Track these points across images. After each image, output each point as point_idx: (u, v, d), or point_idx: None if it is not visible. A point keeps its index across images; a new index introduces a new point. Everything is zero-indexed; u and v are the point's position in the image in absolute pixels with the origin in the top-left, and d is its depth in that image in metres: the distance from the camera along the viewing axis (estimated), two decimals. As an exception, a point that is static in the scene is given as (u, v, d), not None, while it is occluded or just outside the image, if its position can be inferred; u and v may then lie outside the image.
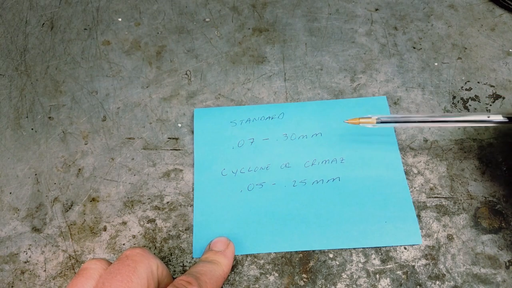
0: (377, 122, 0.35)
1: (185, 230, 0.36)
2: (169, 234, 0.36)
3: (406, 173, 0.38)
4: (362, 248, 0.35)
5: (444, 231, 0.35)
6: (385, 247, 0.35)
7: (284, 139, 0.40)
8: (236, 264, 0.34)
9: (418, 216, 0.36)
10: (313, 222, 0.36)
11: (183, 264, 0.34)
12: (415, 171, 0.38)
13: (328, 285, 0.33)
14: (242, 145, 0.40)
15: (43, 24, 0.49)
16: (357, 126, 0.40)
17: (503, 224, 0.36)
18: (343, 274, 0.34)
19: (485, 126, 0.38)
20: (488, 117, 0.34)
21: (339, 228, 0.35)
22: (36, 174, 0.39)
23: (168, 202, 0.37)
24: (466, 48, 0.46)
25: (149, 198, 0.37)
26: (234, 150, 0.40)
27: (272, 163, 0.39)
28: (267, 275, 0.34)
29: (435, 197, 0.37)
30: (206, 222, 0.36)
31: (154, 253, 0.35)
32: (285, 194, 0.37)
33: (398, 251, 0.35)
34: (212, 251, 0.32)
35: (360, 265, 0.34)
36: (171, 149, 0.40)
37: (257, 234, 0.35)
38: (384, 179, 0.38)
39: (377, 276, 0.34)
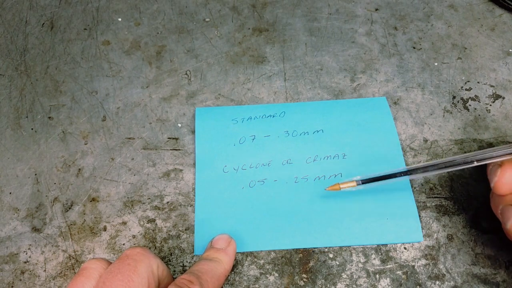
0: (357, 185, 0.34)
1: (185, 230, 0.36)
2: (169, 234, 0.36)
3: (406, 173, 0.38)
4: (364, 245, 0.35)
5: (444, 231, 0.35)
6: (385, 246, 0.35)
7: (286, 136, 0.40)
8: (236, 264, 0.34)
9: (418, 216, 0.36)
10: (315, 219, 0.36)
11: (183, 264, 0.34)
12: (415, 171, 0.38)
13: (328, 285, 0.33)
14: (244, 142, 0.40)
15: (43, 24, 0.49)
16: (359, 122, 0.41)
17: (503, 224, 0.35)
18: (343, 274, 0.34)
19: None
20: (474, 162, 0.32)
21: (341, 225, 0.35)
22: (36, 174, 0.39)
23: (168, 202, 0.37)
24: (466, 48, 0.46)
25: (149, 198, 0.37)
26: (236, 147, 0.40)
27: (273, 159, 0.39)
28: (267, 275, 0.34)
29: (435, 197, 0.37)
30: (207, 219, 0.36)
31: (154, 253, 0.35)
32: (286, 191, 0.37)
33: (398, 251, 0.35)
34: (214, 249, 0.32)
35: (360, 265, 0.34)
36: (171, 149, 0.40)
37: (258, 231, 0.35)
38: None
39: (377, 276, 0.34)
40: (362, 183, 0.34)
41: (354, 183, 0.34)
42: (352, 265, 0.34)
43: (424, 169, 0.33)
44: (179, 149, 0.40)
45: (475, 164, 0.32)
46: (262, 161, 0.39)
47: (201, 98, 0.43)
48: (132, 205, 0.37)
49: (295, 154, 0.39)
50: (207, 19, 0.49)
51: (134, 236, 0.36)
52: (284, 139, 0.40)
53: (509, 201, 0.29)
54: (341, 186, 0.35)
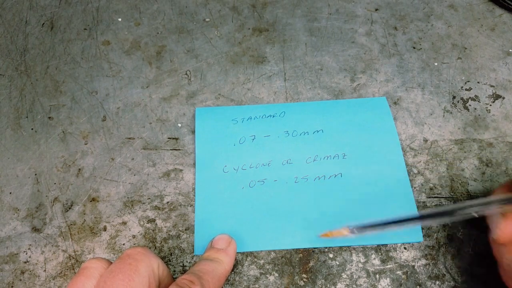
0: (351, 232, 0.31)
1: (185, 230, 0.36)
2: (169, 234, 0.36)
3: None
4: (364, 245, 0.35)
5: (444, 231, 0.35)
6: (385, 246, 0.35)
7: (286, 136, 0.40)
8: (236, 264, 0.34)
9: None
10: (315, 219, 0.36)
11: (183, 264, 0.34)
12: (415, 171, 0.38)
13: (328, 285, 0.33)
14: (244, 142, 0.40)
15: (43, 24, 0.49)
16: (359, 122, 0.41)
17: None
18: (343, 274, 0.34)
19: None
20: (476, 213, 0.28)
21: (341, 225, 0.35)
22: (36, 174, 0.39)
23: (168, 202, 0.37)
24: (466, 48, 0.46)
25: (149, 198, 0.37)
26: (236, 147, 0.40)
27: (273, 159, 0.39)
28: (267, 275, 0.34)
29: (435, 197, 0.37)
30: (207, 219, 0.36)
31: (154, 253, 0.35)
32: (286, 191, 0.37)
33: (398, 251, 0.35)
34: (214, 249, 0.32)
35: (360, 265, 0.34)
36: (171, 149, 0.40)
37: (258, 231, 0.35)
38: (386, 175, 0.38)
39: (377, 276, 0.34)
40: (352, 232, 0.32)
41: (347, 231, 0.32)
42: (352, 265, 0.34)
43: (422, 218, 0.30)
44: (179, 149, 0.40)
45: (475, 216, 0.29)
46: (262, 161, 0.39)
47: (201, 98, 0.43)
48: (132, 205, 0.37)
49: (295, 154, 0.39)
50: (207, 19, 0.49)
51: (134, 236, 0.36)
52: (284, 139, 0.40)
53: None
54: (334, 233, 0.33)
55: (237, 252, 0.35)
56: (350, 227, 0.31)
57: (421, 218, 0.30)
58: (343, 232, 0.32)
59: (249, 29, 0.48)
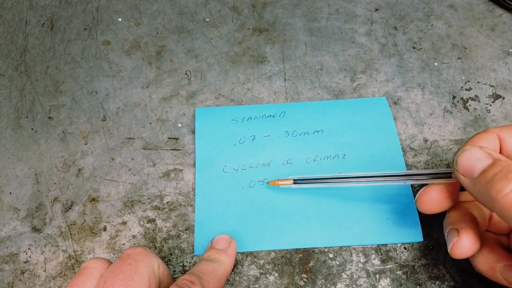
0: (294, 183, 0.36)
1: (185, 230, 0.36)
2: (169, 234, 0.36)
3: (406, 173, 0.38)
4: (364, 245, 0.35)
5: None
6: (385, 246, 0.35)
7: (286, 136, 0.40)
8: (236, 264, 0.34)
9: (418, 216, 0.36)
10: (315, 219, 0.36)
11: (183, 264, 0.34)
12: (415, 171, 0.38)
13: (328, 285, 0.33)
14: (244, 142, 0.40)
15: (43, 24, 0.49)
16: (359, 122, 0.41)
17: (503, 224, 0.35)
18: (343, 274, 0.34)
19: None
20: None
21: (341, 225, 0.35)
22: (36, 174, 0.39)
23: (168, 202, 0.37)
24: (466, 48, 0.46)
25: (149, 198, 0.37)
26: (236, 147, 0.40)
27: (273, 159, 0.39)
28: (267, 275, 0.34)
29: (435, 197, 0.37)
30: (207, 219, 0.36)
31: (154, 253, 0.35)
32: (286, 191, 0.37)
33: (398, 251, 0.35)
34: (214, 249, 0.32)
35: (360, 265, 0.34)
36: (171, 149, 0.40)
37: (258, 231, 0.35)
38: None
39: (377, 276, 0.34)
40: (295, 183, 0.36)
41: (291, 182, 0.36)
42: (352, 265, 0.34)
43: (358, 178, 0.34)
44: (179, 149, 0.40)
45: (405, 184, 0.34)
46: (262, 161, 0.39)
47: (201, 98, 0.43)
48: (132, 205, 0.37)
49: (295, 154, 0.39)
50: (207, 19, 0.49)
51: (134, 236, 0.36)
52: (284, 139, 0.40)
53: (453, 224, 0.29)
54: (280, 183, 0.36)
55: (237, 252, 0.35)
56: (295, 178, 0.36)
57: (358, 178, 0.34)
58: (287, 182, 0.36)
59: (249, 29, 0.48)
